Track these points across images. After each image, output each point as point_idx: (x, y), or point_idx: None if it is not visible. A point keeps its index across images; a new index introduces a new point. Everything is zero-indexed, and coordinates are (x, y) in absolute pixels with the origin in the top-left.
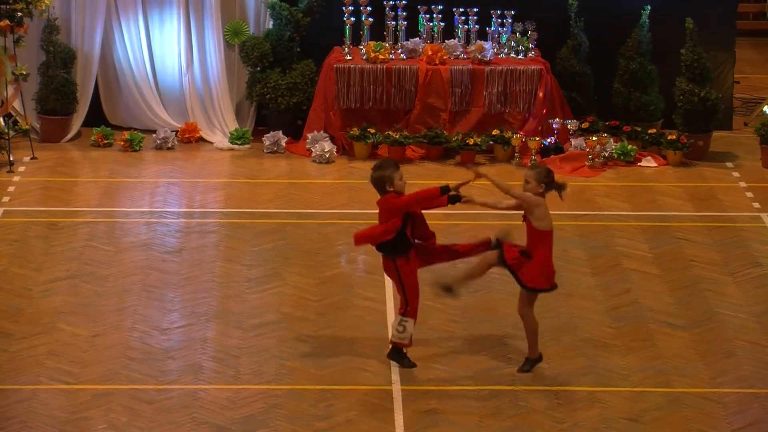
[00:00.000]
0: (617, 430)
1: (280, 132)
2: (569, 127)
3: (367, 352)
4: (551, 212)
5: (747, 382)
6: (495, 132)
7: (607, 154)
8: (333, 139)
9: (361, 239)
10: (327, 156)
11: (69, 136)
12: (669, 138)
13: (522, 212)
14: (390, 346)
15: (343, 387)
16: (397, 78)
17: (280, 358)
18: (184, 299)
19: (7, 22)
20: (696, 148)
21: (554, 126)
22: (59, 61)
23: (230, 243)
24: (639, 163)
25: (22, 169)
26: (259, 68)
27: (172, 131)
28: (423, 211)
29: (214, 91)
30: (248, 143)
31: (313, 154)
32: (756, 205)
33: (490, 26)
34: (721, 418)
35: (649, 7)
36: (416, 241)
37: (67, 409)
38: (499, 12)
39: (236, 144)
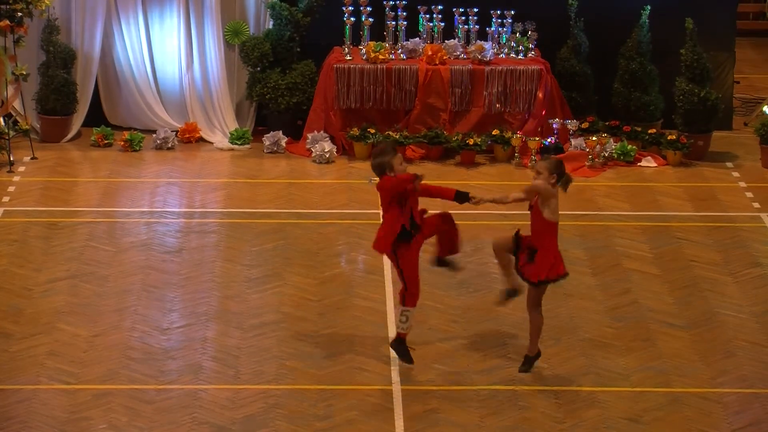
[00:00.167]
0: (617, 430)
1: (280, 132)
2: (569, 127)
3: (367, 352)
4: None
5: (747, 382)
6: (495, 132)
7: (607, 154)
8: (333, 139)
9: (380, 246)
10: (327, 156)
11: (69, 136)
12: (669, 138)
13: (528, 203)
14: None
15: (343, 387)
16: (397, 78)
17: (280, 358)
18: (184, 299)
19: (7, 22)
20: (696, 148)
21: (554, 126)
22: (59, 61)
23: (230, 243)
24: (639, 163)
25: (22, 169)
26: (259, 68)
27: (172, 131)
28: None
29: (214, 91)
30: (248, 143)
31: (313, 154)
32: (756, 205)
33: (490, 26)
34: (721, 418)
35: (649, 7)
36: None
37: (67, 409)
38: (499, 12)
39: (236, 144)
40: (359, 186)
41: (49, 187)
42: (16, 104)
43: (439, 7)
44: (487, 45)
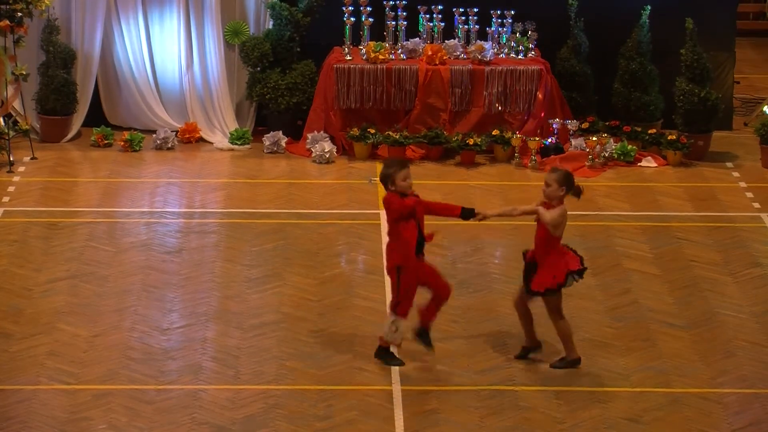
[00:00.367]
0: (617, 430)
1: (280, 132)
2: (569, 127)
3: (367, 352)
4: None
5: (747, 382)
6: (495, 132)
7: (607, 154)
8: (333, 140)
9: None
10: (327, 156)
11: (69, 136)
12: (669, 138)
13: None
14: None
15: (343, 387)
16: (397, 78)
17: (280, 358)
18: (184, 299)
19: (7, 22)
20: (696, 148)
21: (554, 126)
22: (59, 61)
23: (230, 243)
24: (639, 163)
25: (22, 169)
26: (259, 68)
27: (172, 131)
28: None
29: (214, 91)
30: (248, 143)
31: (313, 155)
32: (756, 205)
33: (490, 26)
34: (721, 418)
35: (649, 7)
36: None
37: (67, 409)
38: (499, 12)
39: (236, 144)
40: (359, 186)
41: (49, 187)
42: (16, 104)
43: (439, 7)
44: (487, 45)
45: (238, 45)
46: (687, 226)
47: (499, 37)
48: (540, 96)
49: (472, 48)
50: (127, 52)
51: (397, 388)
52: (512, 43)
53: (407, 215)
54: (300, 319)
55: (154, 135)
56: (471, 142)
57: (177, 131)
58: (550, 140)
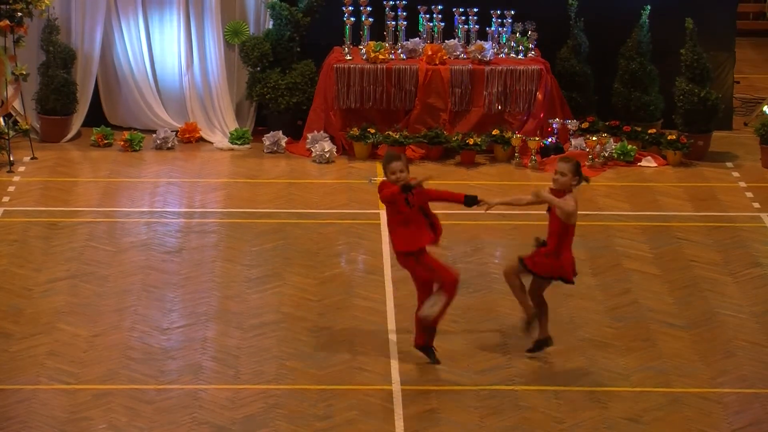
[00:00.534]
0: (617, 430)
1: (280, 132)
2: (569, 127)
3: (367, 352)
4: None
5: (747, 382)
6: (495, 132)
7: (607, 154)
8: (333, 139)
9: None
10: (327, 156)
11: (69, 136)
12: (669, 138)
13: (546, 205)
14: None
15: (343, 387)
16: (397, 78)
17: (280, 358)
18: (184, 299)
19: (7, 22)
20: (696, 148)
21: (554, 126)
22: (59, 61)
23: (230, 243)
24: (639, 163)
25: (22, 169)
26: (259, 68)
27: (172, 131)
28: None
29: (214, 91)
30: (248, 143)
31: (313, 154)
32: (756, 205)
33: (490, 26)
34: (721, 418)
35: (649, 7)
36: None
37: (67, 409)
38: (499, 12)
39: (236, 144)
40: (359, 186)
41: (49, 187)
42: (16, 104)
43: (439, 7)
44: (487, 45)
45: (238, 45)
46: (687, 226)
47: (499, 37)
48: (540, 96)
49: (472, 48)
50: (127, 52)
51: (397, 388)
52: (512, 43)
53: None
54: (300, 319)
55: (154, 135)
56: (471, 142)
57: (177, 131)
58: (550, 140)
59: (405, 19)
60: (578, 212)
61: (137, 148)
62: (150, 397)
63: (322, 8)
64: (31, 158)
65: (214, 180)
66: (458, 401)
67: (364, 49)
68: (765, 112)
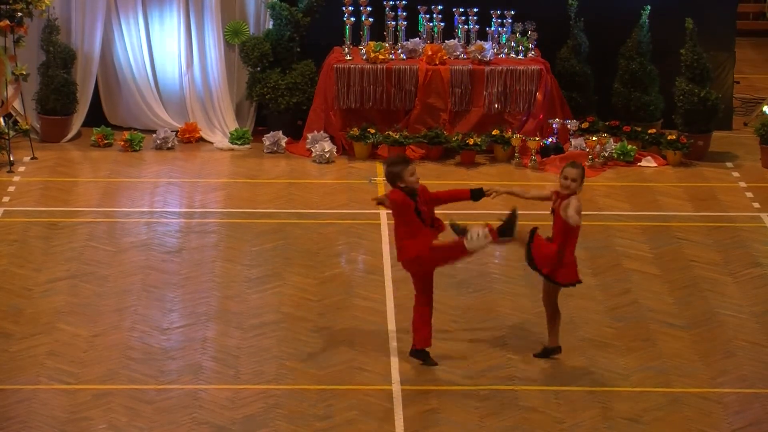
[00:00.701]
0: (617, 430)
1: (280, 132)
2: (569, 127)
3: (367, 352)
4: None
5: (747, 382)
6: (495, 132)
7: (607, 154)
8: (333, 139)
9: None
10: (327, 156)
11: (69, 136)
12: (669, 138)
13: (551, 203)
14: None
15: (343, 387)
16: (397, 78)
17: (280, 358)
18: (184, 299)
19: (7, 22)
20: (696, 148)
21: (554, 126)
22: (59, 61)
23: (230, 243)
24: (639, 163)
25: (22, 169)
26: (259, 68)
27: (172, 131)
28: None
29: (214, 91)
30: (248, 143)
31: (313, 154)
32: (756, 205)
33: (490, 26)
34: (721, 418)
35: (649, 7)
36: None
37: (67, 409)
38: (499, 12)
39: (236, 144)
40: (359, 186)
41: (49, 187)
42: (16, 104)
43: (439, 7)
44: (487, 45)
45: (238, 45)
46: (687, 226)
47: (499, 37)
48: (540, 96)
49: (472, 48)
50: (127, 52)
51: (397, 388)
52: (512, 43)
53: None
54: (300, 319)
55: (154, 135)
56: (471, 142)
57: (177, 131)
58: (550, 140)
59: (405, 19)
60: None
61: (137, 148)
62: (150, 397)
63: (322, 8)
64: (31, 158)
65: (214, 180)
66: (458, 401)
67: (364, 49)
68: (765, 112)
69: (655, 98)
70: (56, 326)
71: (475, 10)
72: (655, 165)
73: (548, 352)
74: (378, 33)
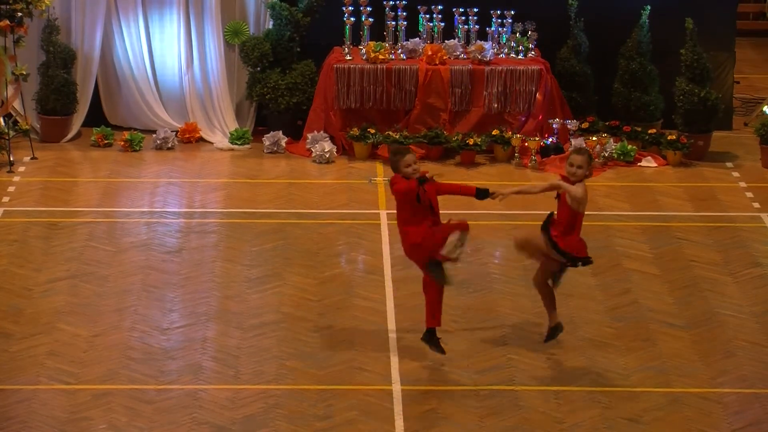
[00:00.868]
0: (617, 430)
1: (280, 132)
2: (569, 127)
3: (367, 352)
4: (552, 208)
5: (747, 382)
6: (495, 132)
7: (607, 154)
8: (333, 139)
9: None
10: (327, 156)
11: (69, 136)
12: (669, 138)
13: (556, 192)
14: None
15: (343, 387)
16: (397, 78)
17: (280, 358)
18: (184, 299)
19: (7, 22)
20: (696, 148)
21: (554, 126)
22: (59, 61)
23: (230, 243)
24: (639, 163)
25: (22, 169)
26: (259, 68)
27: (172, 131)
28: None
29: (214, 91)
30: (248, 143)
31: (313, 154)
32: (756, 205)
33: (490, 26)
34: (721, 418)
35: (649, 7)
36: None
37: (67, 409)
38: (499, 12)
39: (236, 144)
40: (359, 186)
41: (49, 187)
42: (16, 104)
43: (439, 7)
44: (487, 45)
45: (238, 45)
46: (687, 226)
47: (499, 37)
48: (540, 96)
49: (472, 48)
50: (127, 52)
51: (397, 388)
52: (512, 43)
53: (412, 197)
54: (300, 319)
55: (154, 135)
56: (471, 142)
57: (177, 131)
58: (550, 140)
59: (405, 19)
60: None
61: (137, 148)
62: (150, 397)
63: (322, 8)
64: (31, 158)
65: (214, 180)
66: (458, 401)
67: (364, 49)
68: (765, 112)
69: (655, 98)
70: (56, 326)
71: (475, 10)
72: (655, 165)
73: (553, 332)
74: (378, 33)
